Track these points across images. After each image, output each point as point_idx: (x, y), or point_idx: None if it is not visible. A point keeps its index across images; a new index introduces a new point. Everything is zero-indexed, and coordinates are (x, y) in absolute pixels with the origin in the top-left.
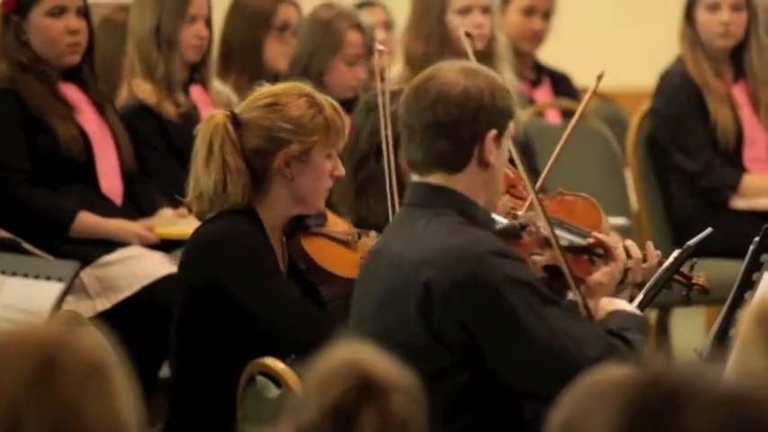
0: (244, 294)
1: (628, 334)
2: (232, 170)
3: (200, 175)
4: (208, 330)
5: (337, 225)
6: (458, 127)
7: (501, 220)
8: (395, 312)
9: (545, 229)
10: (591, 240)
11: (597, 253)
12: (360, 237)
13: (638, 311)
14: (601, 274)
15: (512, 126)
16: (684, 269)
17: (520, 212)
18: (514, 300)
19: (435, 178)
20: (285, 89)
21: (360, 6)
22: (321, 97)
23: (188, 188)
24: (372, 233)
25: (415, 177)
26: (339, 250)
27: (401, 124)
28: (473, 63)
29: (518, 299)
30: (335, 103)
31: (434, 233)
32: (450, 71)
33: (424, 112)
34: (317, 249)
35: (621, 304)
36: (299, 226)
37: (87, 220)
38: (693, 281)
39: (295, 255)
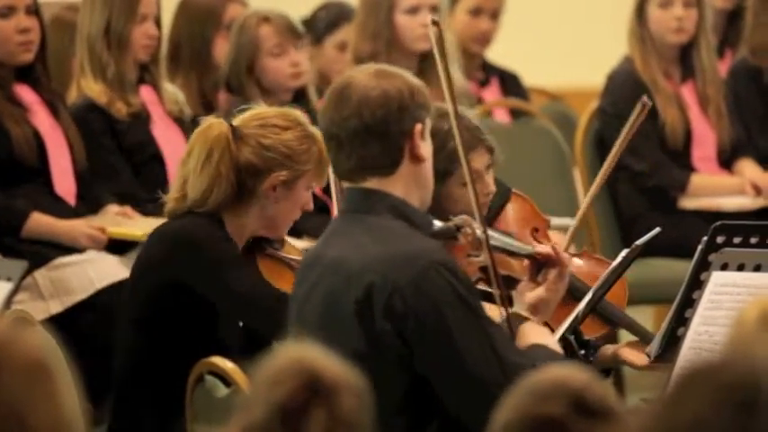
0: (212, 293)
1: None
2: (222, 182)
3: (191, 179)
4: (166, 329)
5: (292, 251)
6: (385, 127)
7: (437, 223)
8: (334, 317)
9: (479, 231)
10: (534, 251)
11: (540, 262)
12: None
13: (560, 352)
14: (546, 291)
15: (428, 121)
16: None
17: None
18: (452, 317)
19: (370, 183)
20: (286, 113)
21: None
22: (314, 130)
23: (171, 186)
24: None
25: (347, 185)
26: (290, 275)
27: (324, 136)
28: (383, 65)
29: (455, 316)
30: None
31: (377, 239)
32: (364, 75)
33: (349, 120)
34: (270, 270)
35: (547, 338)
36: (257, 245)
37: (39, 221)
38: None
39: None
